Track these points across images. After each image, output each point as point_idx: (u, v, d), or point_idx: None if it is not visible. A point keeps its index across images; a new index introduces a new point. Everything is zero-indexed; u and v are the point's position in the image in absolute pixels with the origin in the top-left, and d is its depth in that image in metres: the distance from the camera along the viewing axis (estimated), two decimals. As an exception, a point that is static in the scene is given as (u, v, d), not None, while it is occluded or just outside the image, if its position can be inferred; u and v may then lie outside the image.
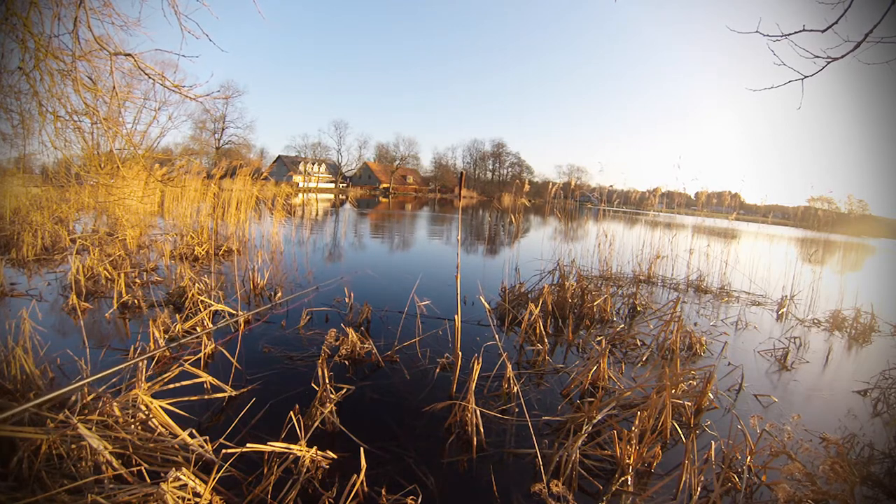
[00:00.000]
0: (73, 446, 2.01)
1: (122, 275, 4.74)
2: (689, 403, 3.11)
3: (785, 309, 7.04)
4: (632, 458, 2.45)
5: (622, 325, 5.16)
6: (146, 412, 2.35)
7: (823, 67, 2.32)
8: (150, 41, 4.38)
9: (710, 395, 3.30)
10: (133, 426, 2.29)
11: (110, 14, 4.15)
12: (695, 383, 3.41)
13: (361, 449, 2.20)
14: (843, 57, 2.34)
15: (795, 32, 2.32)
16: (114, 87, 4.11)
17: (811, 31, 2.34)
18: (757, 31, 2.37)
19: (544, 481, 2.13)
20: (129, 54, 4.03)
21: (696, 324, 5.71)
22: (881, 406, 3.78)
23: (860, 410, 3.66)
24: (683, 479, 2.22)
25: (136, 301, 4.54)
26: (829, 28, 2.32)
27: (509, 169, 73.29)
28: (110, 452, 2.03)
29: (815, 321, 6.64)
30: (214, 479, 2.03)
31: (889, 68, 2.33)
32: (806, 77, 2.35)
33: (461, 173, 3.97)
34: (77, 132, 4.57)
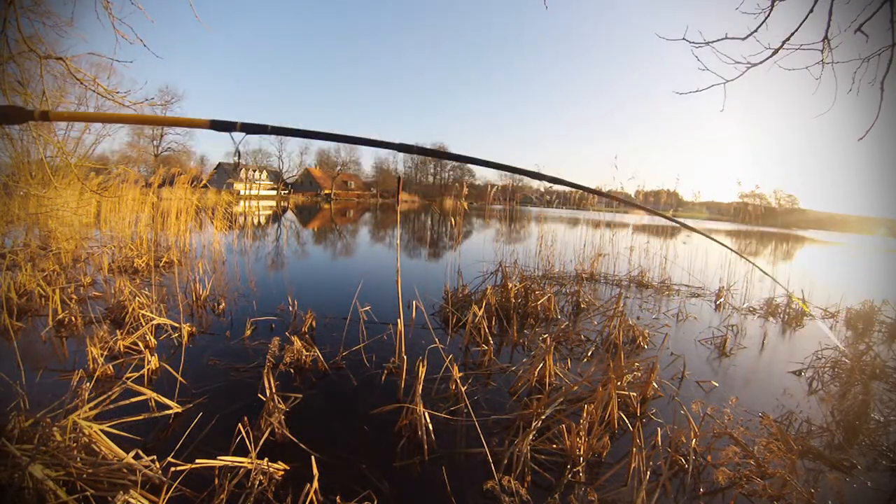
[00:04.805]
0: (16, 475, 1.91)
1: (58, 291, 4.46)
2: (635, 394, 3.24)
3: (722, 299, 7.43)
4: (582, 450, 2.55)
5: (566, 323, 5.27)
6: (88, 436, 2.25)
7: (744, 72, 2.48)
8: (85, 42, 4.11)
9: (654, 384, 3.45)
10: (76, 451, 2.19)
11: (42, 14, 3.92)
12: (639, 374, 3.54)
13: (312, 457, 2.19)
14: (762, 63, 2.50)
15: (718, 40, 2.46)
16: (43, 92, 3.88)
17: (733, 38, 2.49)
18: (684, 39, 2.50)
19: (496, 478, 2.19)
20: (59, 58, 3.81)
21: (638, 318, 5.91)
22: (816, 384, 4.07)
23: (796, 389, 3.92)
24: (633, 465, 2.32)
25: (73, 318, 4.30)
26: (749, 35, 2.48)
27: (450, 172, 73.90)
28: (54, 480, 1.94)
29: (751, 309, 7.04)
30: (164, 498, 1.98)
31: (808, 73, 2.50)
32: (728, 81, 2.51)
33: (399, 179, 3.99)
34: (5, 139, 4.30)
